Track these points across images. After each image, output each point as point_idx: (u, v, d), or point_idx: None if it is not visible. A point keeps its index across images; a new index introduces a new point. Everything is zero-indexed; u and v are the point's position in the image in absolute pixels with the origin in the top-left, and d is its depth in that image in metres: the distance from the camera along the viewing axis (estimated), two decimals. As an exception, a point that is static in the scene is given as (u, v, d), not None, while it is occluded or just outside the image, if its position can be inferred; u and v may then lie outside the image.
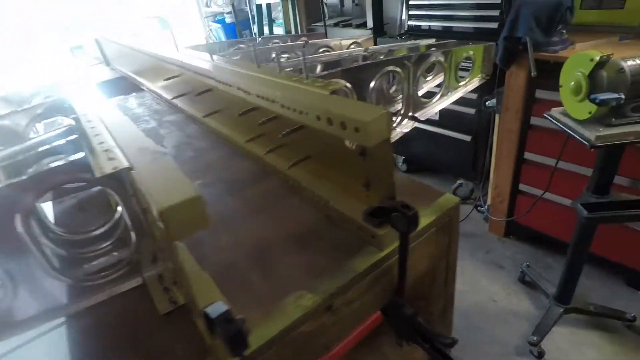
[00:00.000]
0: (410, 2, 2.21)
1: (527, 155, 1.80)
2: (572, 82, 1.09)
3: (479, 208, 2.28)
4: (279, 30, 3.01)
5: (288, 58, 1.22)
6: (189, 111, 1.27)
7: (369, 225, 0.67)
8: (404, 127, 1.01)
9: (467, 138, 2.21)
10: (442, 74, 1.20)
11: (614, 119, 1.06)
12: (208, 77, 1.02)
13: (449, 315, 0.93)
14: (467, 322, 1.69)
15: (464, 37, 2.06)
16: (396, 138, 0.99)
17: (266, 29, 3.05)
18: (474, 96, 2.06)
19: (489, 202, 2.13)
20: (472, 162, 2.29)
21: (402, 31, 2.40)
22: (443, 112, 2.24)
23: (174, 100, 1.38)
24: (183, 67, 1.17)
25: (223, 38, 3.86)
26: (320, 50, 1.33)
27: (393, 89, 0.97)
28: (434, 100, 1.04)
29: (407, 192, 0.80)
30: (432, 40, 1.58)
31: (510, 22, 1.49)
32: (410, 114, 1.00)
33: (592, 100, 1.02)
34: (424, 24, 2.24)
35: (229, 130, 1.06)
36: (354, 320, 0.66)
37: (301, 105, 0.68)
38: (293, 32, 2.94)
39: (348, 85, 0.79)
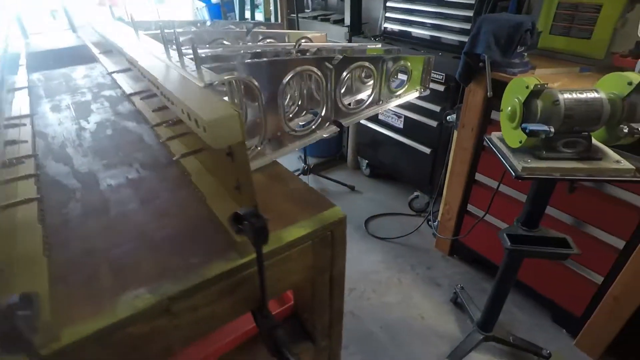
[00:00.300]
0: (387, 4, 2.14)
1: (478, 176, 1.77)
2: (509, 108, 1.04)
3: (429, 223, 2.25)
4: (260, 17, 2.92)
5: (222, 44, 1.15)
6: (123, 87, 1.20)
7: (231, 230, 0.61)
8: (325, 131, 0.94)
9: (427, 150, 2.16)
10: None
11: (544, 152, 1.02)
12: (124, 55, 0.94)
13: (336, 330, 0.88)
14: (389, 335, 1.65)
15: (435, 46, 2.01)
16: (314, 141, 0.93)
17: (248, 14, 2.94)
18: (437, 109, 2.02)
19: (439, 218, 2.10)
20: (430, 176, 2.25)
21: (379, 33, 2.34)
22: (407, 121, 2.20)
23: (113, 75, 1.30)
24: (109, 41, 1.09)
25: (207, 17, 3.73)
26: (267, 41, 1.26)
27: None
28: (360, 108, 0.98)
29: (298, 200, 0.74)
30: (388, 47, 1.51)
31: (472, 38, 1.44)
32: (332, 118, 0.94)
33: (523, 130, 0.98)
34: (399, 28, 2.17)
35: (148, 111, 1.00)
36: (205, 326, 0.62)
37: (171, 96, 0.62)
38: (273, 20, 2.85)
39: (253, 81, 0.72)
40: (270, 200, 0.75)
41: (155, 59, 0.77)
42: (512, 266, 1.28)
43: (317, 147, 3.00)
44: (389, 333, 1.67)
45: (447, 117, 1.87)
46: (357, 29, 2.41)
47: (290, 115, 1.02)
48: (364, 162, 2.77)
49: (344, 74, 0.89)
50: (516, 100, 1.01)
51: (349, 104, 0.98)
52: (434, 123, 2.06)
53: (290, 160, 3.01)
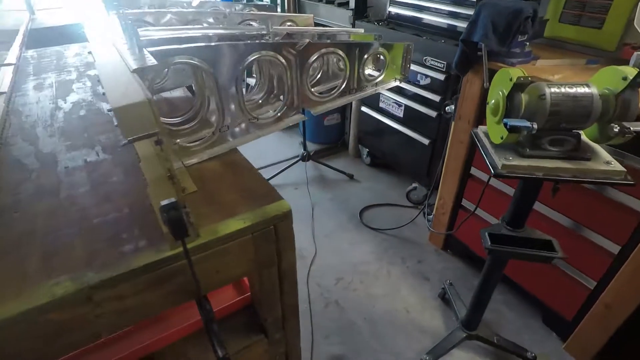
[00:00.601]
0: (392, -15, 2.04)
1: (474, 170, 1.70)
2: (493, 101, 0.98)
3: (425, 215, 2.19)
4: (267, -1, 2.86)
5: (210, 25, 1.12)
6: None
7: (160, 220, 0.59)
8: (291, 119, 0.91)
9: (426, 141, 2.09)
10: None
11: (528, 149, 0.95)
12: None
13: (291, 323, 0.86)
14: (372, 327, 1.64)
15: (437, 32, 1.92)
16: (280, 129, 0.90)
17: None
18: (437, 99, 1.94)
19: (434, 212, 2.04)
20: (428, 167, 2.19)
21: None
22: (407, 110, 2.13)
23: (92, 53, 1.29)
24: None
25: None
26: (244, 23, 1.22)
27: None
28: (331, 96, 0.93)
29: (246, 191, 0.71)
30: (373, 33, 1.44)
31: (470, 24, 1.35)
32: (299, 106, 0.90)
33: (504, 125, 0.91)
34: (406, 13, 2.08)
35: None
36: (134, 316, 0.61)
37: (106, 78, 0.59)
38: (279, 2, 2.78)
39: (203, 65, 0.69)
40: (218, 189, 0.72)
41: (109, 41, 0.74)
42: (495, 266, 1.23)
43: (318, 133, 2.96)
44: (372, 325, 1.65)
45: (446, 108, 1.80)
46: (361, 12, 2.33)
47: (260, 102, 0.99)
48: (365, 151, 2.72)
49: (312, 60, 0.85)
50: (500, 93, 0.94)
51: (321, 92, 0.94)
52: (433, 113, 1.99)
53: (291, 145, 2.98)
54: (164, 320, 0.79)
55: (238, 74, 0.75)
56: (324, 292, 1.80)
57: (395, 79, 1.02)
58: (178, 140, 0.80)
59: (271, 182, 2.57)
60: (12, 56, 1.43)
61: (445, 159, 1.85)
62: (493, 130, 1.00)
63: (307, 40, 0.81)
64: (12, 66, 1.32)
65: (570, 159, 0.94)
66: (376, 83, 1.00)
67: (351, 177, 2.64)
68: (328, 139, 2.99)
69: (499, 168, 0.95)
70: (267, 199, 0.69)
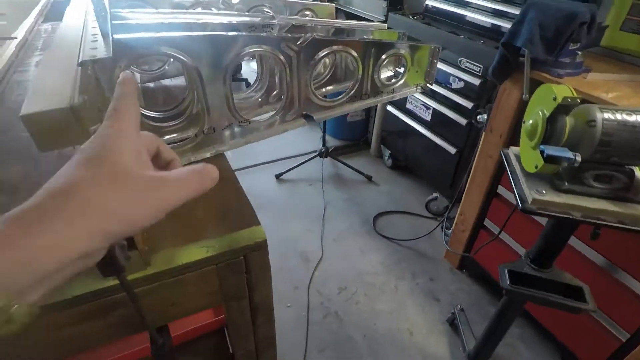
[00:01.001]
0: (432, -24, 1.86)
1: (501, 189, 1.53)
2: (531, 121, 0.82)
3: (444, 229, 2.04)
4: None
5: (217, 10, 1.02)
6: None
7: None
8: (290, 124, 0.80)
9: (452, 150, 1.93)
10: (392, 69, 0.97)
11: (567, 183, 0.80)
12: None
13: (267, 356, 0.76)
14: (372, 345, 1.53)
15: (477, 32, 1.73)
16: (275, 135, 0.79)
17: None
18: (469, 105, 1.76)
19: (452, 227, 1.89)
20: (452, 178, 2.02)
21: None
22: (435, 114, 1.97)
23: None
24: None
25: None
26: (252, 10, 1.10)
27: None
28: (337, 101, 0.81)
29: (219, 209, 0.61)
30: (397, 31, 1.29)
31: (514, 26, 1.18)
32: (300, 110, 0.78)
33: (540, 152, 0.77)
34: (446, 7, 1.89)
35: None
36: (69, 347, 0.53)
37: (43, 71, 0.50)
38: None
39: (182, 57, 0.59)
40: (186, 204, 0.63)
41: (80, 22, 0.65)
42: (512, 308, 1.08)
43: (340, 129, 2.83)
44: (372, 343, 1.54)
45: (478, 117, 1.63)
46: (396, 4, 2.15)
47: (260, 100, 0.88)
48: (387, 152, 2.57)
49: (317, 58, 0.73)
50: (540, 113, 0.79)
51: (326, 96, 0.82)
52: (463, 121, 1.82)
53: (311, 139, 2.86)
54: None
55: (227, 70, 0.65)
56: (325, 301, 1.71)
57: (417, 85, 0.88)
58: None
59: (285, 176, 2.48)
60: (22, 30, 1.38)
61: (471, 172, 1.69)
62: (527, 156, 0.85)
63: (312, 35, 0.69)
64: (15, 40, 1.27)
65: (618, 200, 0.78)
66: (393, 89, 0.86)
67: (369, 178, 2.50)
68: (350, 136, 2.86)
69: (528, 202, 0.80)
70: (242, 221, 0.59)
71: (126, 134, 0.29)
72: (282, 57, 0.69)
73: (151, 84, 1.05)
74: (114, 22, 0.63)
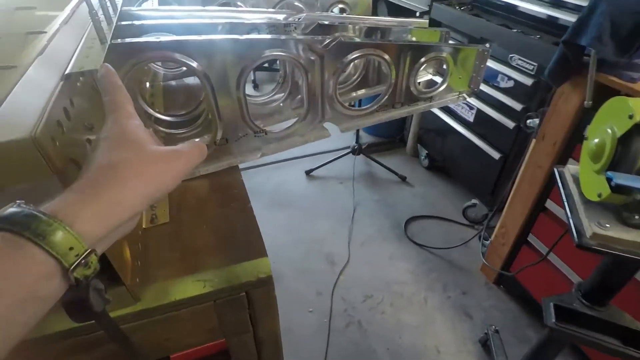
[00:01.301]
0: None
1: (549, 203, 1.38)
2: (596, 140, 0.69)
3: (482, 239, 1.89)
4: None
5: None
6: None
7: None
8: (312, 135, 0.72)
9: (496, 155, 1.77)
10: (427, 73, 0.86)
11: (637, 217, 0.67)
12: None
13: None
14: (394, 363, 1.45)
15: (532, 25, 1.55)
16: (294, 146, 0.72)
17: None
18: (519, 107, 1.59)
19: (491, 238, 1.74)
20: (494, 185, 1.86)
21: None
22: (480, 115, 1.81)
23: None
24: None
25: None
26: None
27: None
28: (366, 110, 0.72)
29: (224, 234, 0.55)
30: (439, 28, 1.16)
31: (579, 21, 1.02)
32: (322, 119, 0.70)
33: (607, 179, 0.64)
34: (496, -5, 1.72)
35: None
36: None
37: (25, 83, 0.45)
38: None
39: (190, 62, 0.52)
40: (192, 224, 0.57)
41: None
42: (555, 348, 0.96)
43: (375, 125, 2.70)
44: (394, 358, 1.46)
45: (528, 121, 1.47)
46: (442, -8, 1.99)
47: (281, 104, 0.81)
48: (424, 152, 2.43)
49: (345, 62, 0.64)
50: (609, 131, 0.66)
51: (352, 104, 0.73)
52: (510, 124, 1.65)
53: (344, 135, 2.76)
54: None
55: (240, 77, 0.58)
56: (349, 308, 1.64)
57: (460, 93, 0.77)
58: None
59: (315, 172, 2.42)
60: (55, 24, 1.39)
61: (517, 181, 1.54)
62: (588, 180, 0.72)
63: (337, 37, 0.60)
64: (46, 35, 1.26)
65: (703, 242, 0.64)
66: (432, 97, 0.76)
67: (403, 179, 2.38)
68: (385, 133, 2.73)
69: (587, 237, 0.68)
70: (246, 250, 0.53)
71: (134, 117, 0.35)
72: (302, 62, 0.61)
73: (173, 82, 1.01)
74: (120, 22, 0.58)
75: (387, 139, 2.73)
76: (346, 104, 0.71)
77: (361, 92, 0.87)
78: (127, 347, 0.45)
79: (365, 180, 2.39)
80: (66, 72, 0.41)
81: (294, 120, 0.70)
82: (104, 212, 0.29)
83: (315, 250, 1.90)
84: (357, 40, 0.64)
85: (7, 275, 0.24)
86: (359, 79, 0.87)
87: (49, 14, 1.02)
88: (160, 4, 0.97)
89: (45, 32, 1.12)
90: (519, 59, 1.54)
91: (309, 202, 2.23)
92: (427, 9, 2.03)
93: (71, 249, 0.26)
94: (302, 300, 1.66)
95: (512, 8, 1.64)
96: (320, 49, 0.61)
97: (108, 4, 0.60)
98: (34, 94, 0.37)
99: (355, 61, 0.80)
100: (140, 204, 0.32)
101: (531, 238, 1.49)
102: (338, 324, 1.58)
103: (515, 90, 1.61)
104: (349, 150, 2.46)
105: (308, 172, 2.43)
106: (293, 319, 1.58)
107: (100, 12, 0.53)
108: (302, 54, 0.60)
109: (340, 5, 1.05)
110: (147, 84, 0.91)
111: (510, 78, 1.61)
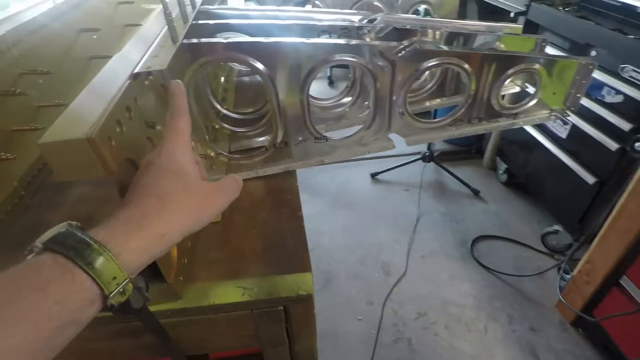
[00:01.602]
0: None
1: (655, 244, 1.16)
2: None
3: (561, 272, 1.67)
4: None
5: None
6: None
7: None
8: (375, 145, 0.68)
9: (591, 180, 1.54)
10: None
11: None
12: None
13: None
14: (442, 393, 1.35)
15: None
16: (358, 156, 0.68)
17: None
18: (627, 127, 1.37)
19: (574, 272, 1.53)
20: (584, 213, 1.63)
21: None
22: (575, 131, 1.61)
23: None
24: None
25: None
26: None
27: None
28: (437, 123, 0.65)
29: (271, 241, 0.54)
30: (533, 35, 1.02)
31: None
32: (384, 128, 0.66)
33: None
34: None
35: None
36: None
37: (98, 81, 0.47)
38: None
39: (256, 65, 0.52)
40: (242, 227, 0.57)
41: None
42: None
43: (451, 132, 2.54)
44: (444, 386, 1.36)
45: (637, 144, 1.25)
46: (544, -9, 1.78)
47: (347, 110, 0.78)
48: (502, 166, 2.22)
49: (419, 71, 0.59)
50: None
51: (430, 113, 0.67)
52: (613, 145, 1.42)
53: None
54: None
55: (305, 81, 0.56)
56: (399, 323, 1.56)
57: (552, 111, 0.67)
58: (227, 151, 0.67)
59: (381, 176, 2.35)
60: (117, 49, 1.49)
61: (615, 212, 1.32)
62: None
63: (412, 44, 0.55)
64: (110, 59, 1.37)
65: None
66: (516, 113, 0.67)
67: (476, 193, 2.21)
68: (461, 141, 2.55)
69: None
70: (291, 261, 0.51)
71: (187, 149, 0.36)
72: (370, 68, 0.57)
73: (246, 79, 1.03)
74: (195, 22, 0.59)
75: (463, 147, 2.55)
76: (417, 114, 0.65)
77: (436, 101, 0.81)
78: (166, 342, 0.46)
79: (433, 190, 2.26)
80: (134, 72, 0.42)
81: (359, 127, 0.67)
82: (148, 245, 0.30)
83: (372, 257, 1.85)
84: (434, 47, 0.57)
85: (58, 300, 0.25)
86: (434, 87, 0.80)
87: (148, 7, 1.10)
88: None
89: (141, 25, 1.20)
90: (633, 70, 1.31)
91: (371, 206, 2.17)
92: (524, 9, 1.84)
93: (114, 278, 0.27)
94: (352, 306, 1.62)
95: (631, 10, 1.41)
96: (391, 56, 0.56)
97: (187, 2, 0.62)
98: (105, 90, 0.38)
99: (424, 74, 0.74)
100: (180, 237, 0.33)
101: (625, 281, 1.28)
102: (386, 338, 1.51)
103: (624, 107, 1.38)
104: (419, 156, 2.35)
105: (374, 175, 2.37)
106: (340, 324, 1.55)
107: (176, 11, 0.55)
108: (372, 59, 0.56)
109: (424, 6, 0.98)
110: (222, 79, 0.94)
111: (619, 92, 1.39)
